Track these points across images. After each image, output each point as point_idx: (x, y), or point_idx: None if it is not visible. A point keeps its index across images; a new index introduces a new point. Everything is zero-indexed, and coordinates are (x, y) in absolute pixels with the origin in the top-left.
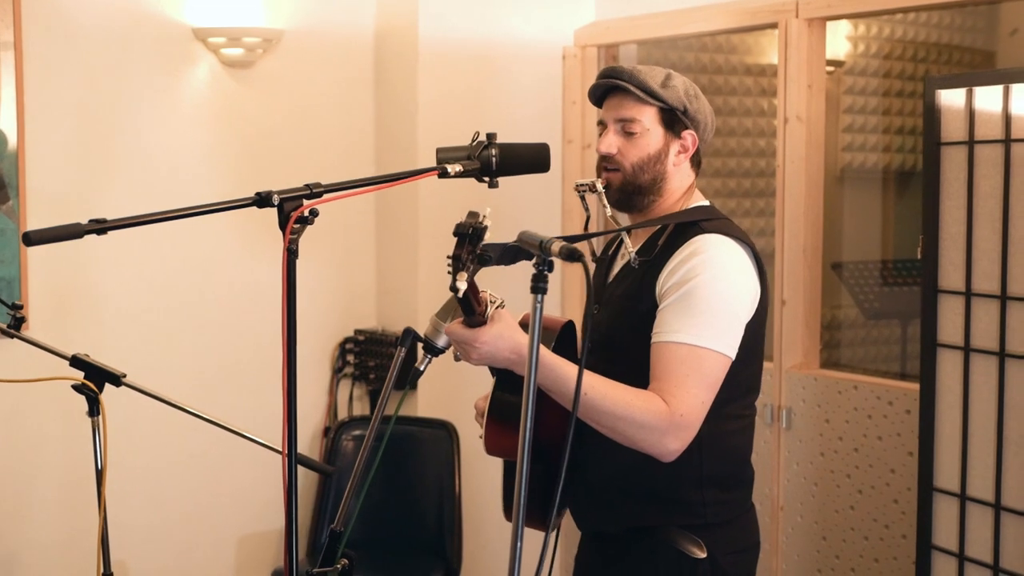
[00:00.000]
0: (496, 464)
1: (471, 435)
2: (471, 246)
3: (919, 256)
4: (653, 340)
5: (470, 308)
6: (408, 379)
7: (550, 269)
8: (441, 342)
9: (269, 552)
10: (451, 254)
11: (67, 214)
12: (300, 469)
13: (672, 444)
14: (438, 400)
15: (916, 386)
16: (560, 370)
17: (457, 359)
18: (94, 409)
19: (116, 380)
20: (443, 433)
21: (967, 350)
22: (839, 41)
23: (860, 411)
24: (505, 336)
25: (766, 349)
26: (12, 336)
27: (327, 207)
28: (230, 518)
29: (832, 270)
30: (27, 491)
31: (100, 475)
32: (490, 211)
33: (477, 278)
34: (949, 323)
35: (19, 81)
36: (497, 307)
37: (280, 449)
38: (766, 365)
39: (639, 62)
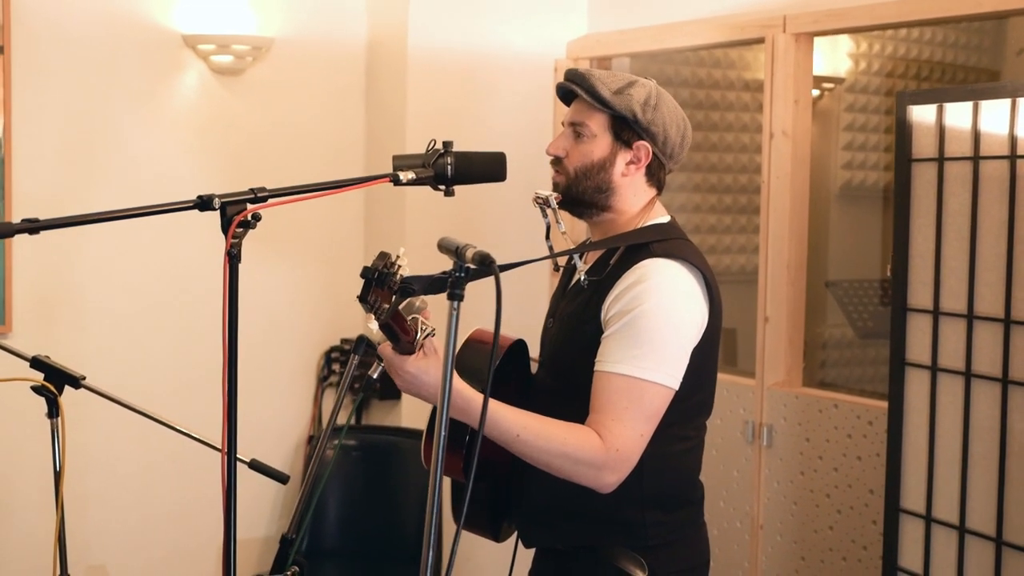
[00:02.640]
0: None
1: None
2: (379, 289)
3: (888, 273)
4: (596, 368)
5: (395, 337)
6: (362, 386)
7: (466, 275)
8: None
9: (251, 558)
10: (358, 296)
11: None
12: (291, 472)
13: (609, 478)
14: (421, 410)
15: None
16: (490, 414)
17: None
18: (53, 411)
19: (75, 382)
20: None
21: (934, 369)
22: (840, 58)
23: (840, 430)
24: (430, 372)
25: (748, 366)
26: None
27: (314, 215)
28: (211, 524)
29: (826, 288)
30: (2, 492)
31: (58, 476)
32: (404, 251)
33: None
34: (917, 342)
35: (6, 85)
36: (427, 335)
37: (216, 446)
38: (748, 382)
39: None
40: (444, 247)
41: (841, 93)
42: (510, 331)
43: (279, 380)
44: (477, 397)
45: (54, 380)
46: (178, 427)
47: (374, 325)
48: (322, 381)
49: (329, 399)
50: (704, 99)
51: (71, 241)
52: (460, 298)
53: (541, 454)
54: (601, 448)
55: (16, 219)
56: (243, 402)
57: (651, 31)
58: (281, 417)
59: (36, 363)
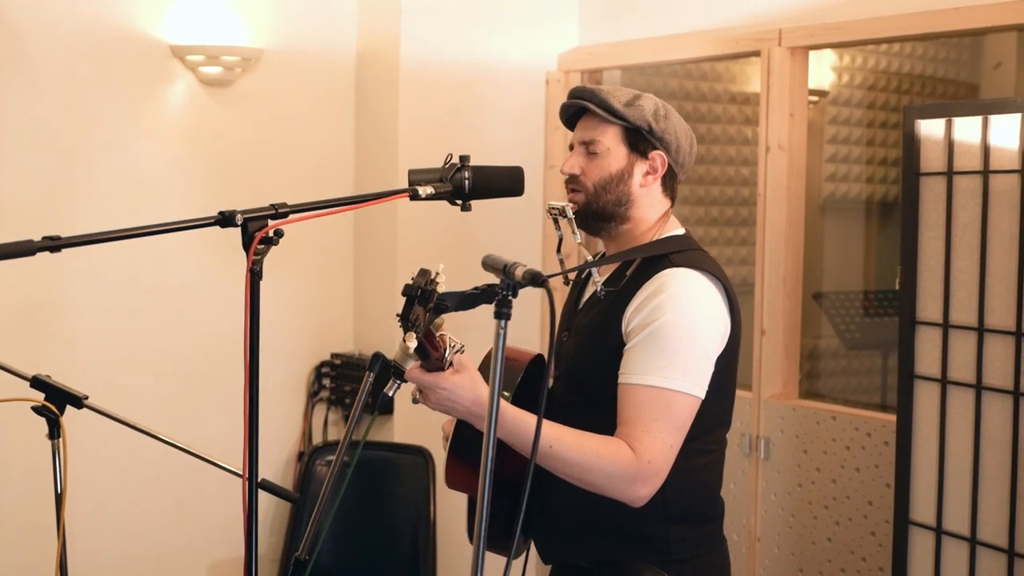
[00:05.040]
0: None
1: None
2: (420, 307)
3: (897, 287)
4: (620, 381)
5: (426, 354)
6: (377, 404)
7: (514, 294)
8: (409, 366)
9: None
10: (399, 314)
11: (39, 231)
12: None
13: (641, 491)
14: (414, 426)
15: (895, 418)
16: (521, 424)
17: (415, 402)
18: (54, 432)
19: (77, 402)
20: (419, 459)
21: (944, 382)
22: (824, 71)
23: (838, 442)
24: (466, 387)
25: (745, 378)
26: None
27: (304, 228)
28: (200, 544)
29: (813, 300)
30: None
31: (59, 499)
32: (443, 267)
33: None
34: (927, 355)
35: None
36: (457, 351)
37: (236, 471)
38: (745, 395)
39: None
40: (490, 265)
41: (825, 106)
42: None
43: (269, 396)
44: (513, 411)
45: (55, 400)
46: (191, 449)
47: (412, 344)
48: (312, 397)
49: (319, 415)
50: (692, 112)
51: (51, 255)
52: (507, 317)
53: (573, 467)
54: (633, 460)
55: (2, 228)
56: (233, 418)
57: (645, 43)
58: (271, 433)
59: (36, 383)
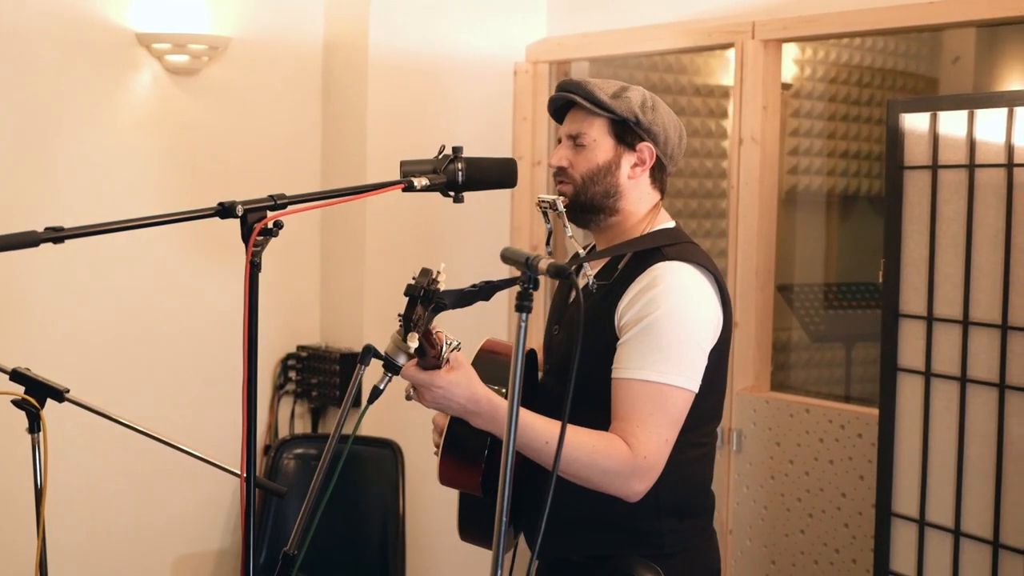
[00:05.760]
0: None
1: (416, 454)
2: (423, 308)
3: (880, 280)
4: (614, 375)
5: (423, 352)
6: (369, 398)
7: (535, 287)
8: (402, 360)
9: (205, 572)
10: (401, 314)
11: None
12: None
13: (638, 486)
14: (382, 418)
15: (868, 410)
16: (520, 422)
17: (408, 399)
18: (35, 425)
19: (59, 395)
20: (387, 452)
21: (928, 375)
22: (787, 64)
23: (812, 434)
24: (462, 384)
25: None
26: None
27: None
28: (165, 539)
29: (778, 293)
30: None
31: (39, 495)
32: (444, 267)
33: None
34: (910, 348)
35: None
36: (453, 349)
37: (233, 470)
38: None
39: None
40: (511, 258)
41: (787, 99)
42: (485, 335)
43: (233, 388)
44: (503, 402)
45: (36, 393)
46: (183, 446)
47: (414, 344)
48: (278, 389)
49: (285, 408)
50: None
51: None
52: (529, 310)
53: (569, 464)
54: (630, 456)
55: None
56: (197, 411)
57: (615, 35)
58: (235, 426)
59: (16, 375)
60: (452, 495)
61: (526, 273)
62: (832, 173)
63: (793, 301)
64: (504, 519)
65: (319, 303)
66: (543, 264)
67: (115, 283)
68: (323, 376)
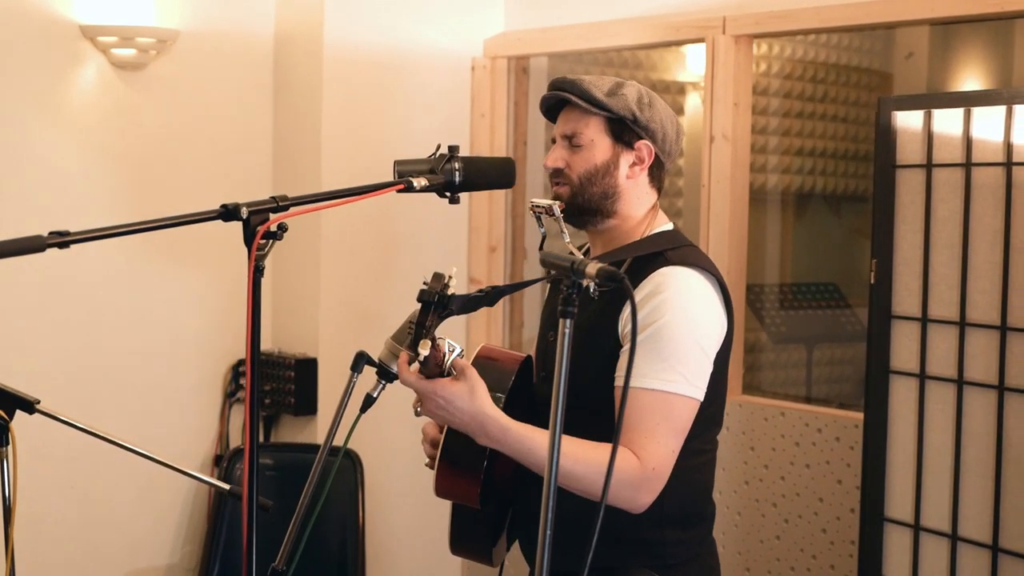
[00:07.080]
0: (403, 495)
1: (375, 464)
2: (436, 315)
3: (871, 281)
4: (618, 384)
5: (425, 360)
6: (362, 406)
7: (580, 292)
8: (394, 367)
9: None
10: (415, 321)
11: None
12: (196, 497)
13: (644, 498)
14: (341, 427)
15: (847, 413)
16: (525, 439)
17: (418, 415)
18: (3, 438)
19: (29, 407)
20: (346, 462)
21: (923, 377)
22: None
23: (787, 438)
24: (464, 398)
25: None
26: None
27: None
28: (115, 554)
29: None
30: None
31: (8, 513)
32: (456, 271)
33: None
34: (903, 349)
35: None
36: (456, 355)
37: (222, 485)
38: None
39: (549, 75)
40: (553, 263)
41: None
42: (479, 343)
43: (182, 395)
44: (516, 427)
45: (5, 405)
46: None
47: (425, 351)
48: (229, 397)
49: (237, 416)
50: None
51: None
52: (573, 316)
53: (577, 480)
54: (638, 467)
55: None
56: (143, 419)
57: (578, 29)
58: (184, 435)
59: None
60: (412, 505)
61: (572, 278)
62: (787, 171)
63: (754, 302)
64: (545, 555)
65: (271, 307)
66: (592, 269)
67: (65, 294)
68: (277, 383)
